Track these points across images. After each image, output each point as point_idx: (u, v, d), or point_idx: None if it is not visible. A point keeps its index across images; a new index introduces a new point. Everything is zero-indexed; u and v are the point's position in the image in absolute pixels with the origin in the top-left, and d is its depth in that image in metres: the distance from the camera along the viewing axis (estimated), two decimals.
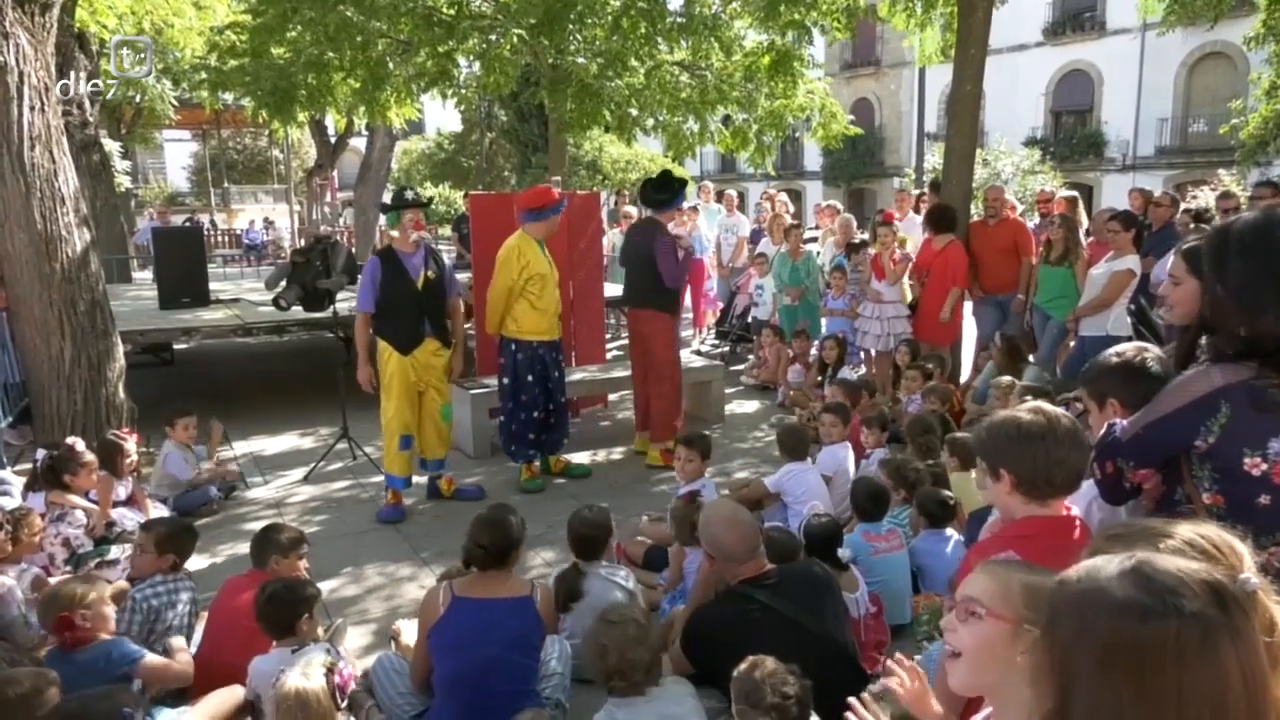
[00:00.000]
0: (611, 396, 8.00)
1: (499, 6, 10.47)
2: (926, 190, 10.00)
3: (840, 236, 9.15)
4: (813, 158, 32.76)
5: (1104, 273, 6.23)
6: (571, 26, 10.11)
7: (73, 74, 11.18)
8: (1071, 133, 27.54)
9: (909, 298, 7.66)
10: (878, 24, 22.12)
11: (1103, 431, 2.50)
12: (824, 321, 9.05)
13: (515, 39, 9.89)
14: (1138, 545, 1.50)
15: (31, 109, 5.62)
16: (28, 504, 4.23)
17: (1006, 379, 5.48)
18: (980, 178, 13.27)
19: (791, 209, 10.96)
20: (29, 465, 5.21)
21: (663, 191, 6.15)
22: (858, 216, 10.32)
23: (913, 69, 23.78)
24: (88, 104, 12.60)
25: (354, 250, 13.27)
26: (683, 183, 6.36)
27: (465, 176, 26.19)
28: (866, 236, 9.37)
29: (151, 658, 3.03)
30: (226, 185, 31.29)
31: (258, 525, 5.06)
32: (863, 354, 8.01)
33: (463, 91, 12.96)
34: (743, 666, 2.32)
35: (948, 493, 4.17)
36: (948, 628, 1.63)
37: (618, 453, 6.61)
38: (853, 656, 2.80)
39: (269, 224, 27.34)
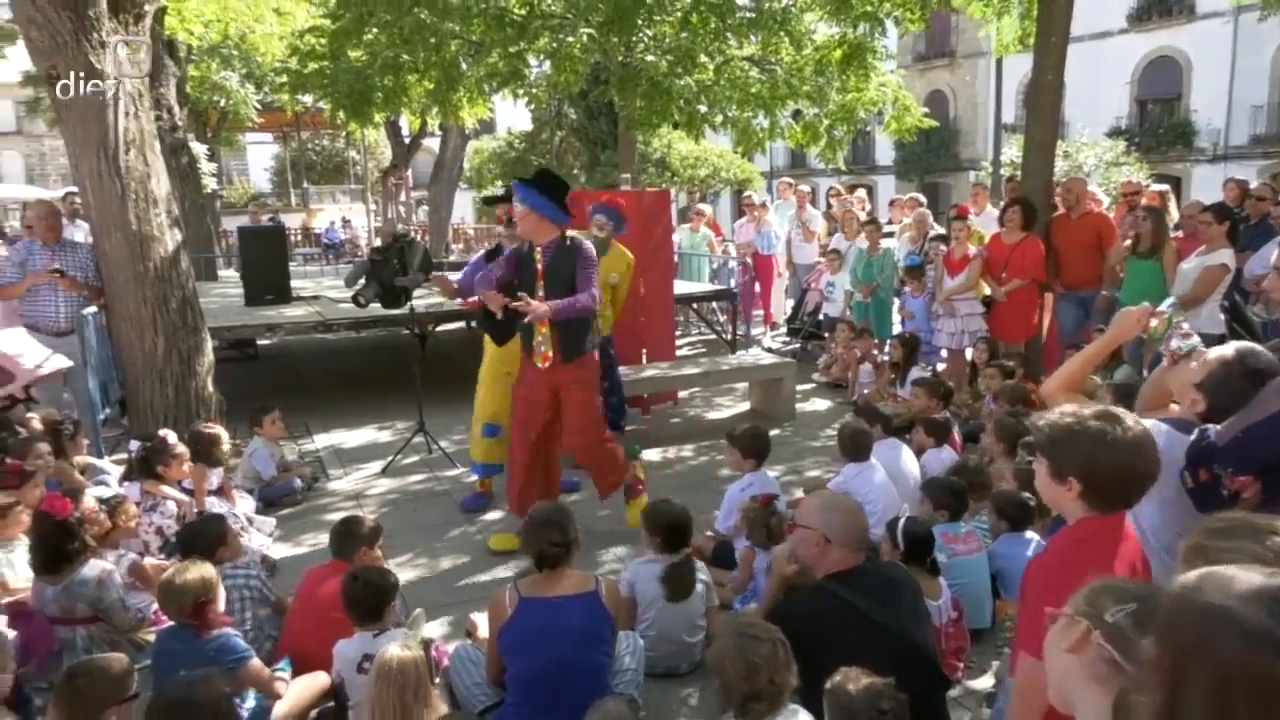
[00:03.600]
0: (682, 394, 8.00)
1: (569, 5, 10.53)
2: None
3: (915, 231, 8.98)
4: (885, 151, 32.21)
5: (1195, 267, 5.99)
6: (641, 23, 10.12)
7: (162, 80, 11.65)
8: (1158, 122, 26.50)
9: (985, 293, 7.48)
10: (953, 14, 21.62)
11: (1194, 436, 2.40)
12: (896, 319, 8.92)
13: (585, 37, 9.95)
14: (1240, 540, 1.44)
15: (126, 114, 5.86)
16: (123, 492, 4.41)
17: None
18: (1061, 170, 12.88)
19: (868, 205, 10.80)
20: (124, 455, 5.46)
21: None
22: (931, 211, 10.08)
23: (989, 59, 23.18)
24: (176, 108, 13.08)
25: (428, 248, 13.52)
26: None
27: None
28: (944, 231, 9.20)
29: (256, 663, 3.12)
30: (306, 185, 32.18)
31: (338, 516, 5.22)
32: (944, 352, 7.84)
33: (533, 90, 13.11)
34: (836, 679, 2.27)
35: (1026, 494, 4.07)
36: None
37: (688, 449, 6.61)
38: (933, 659, 2.75)
39: (346, 223, 28.04)
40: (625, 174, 11.37)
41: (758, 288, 11.30)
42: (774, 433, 5.39)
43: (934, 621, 3.23)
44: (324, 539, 4.90)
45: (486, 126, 25.93)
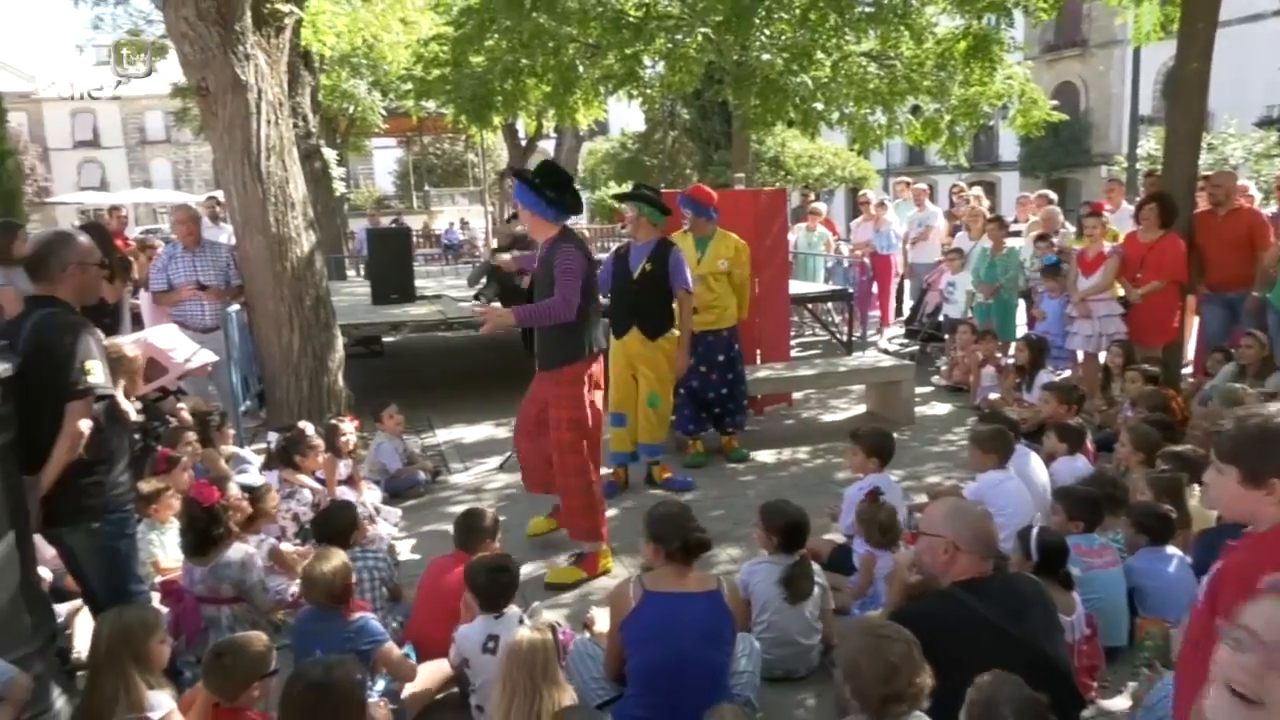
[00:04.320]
0: (795, 395, 7.91)
1: (686, 6, 10.56)
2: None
3: (1043, 229, 8.62)
4: (1009, 147, 31.02)
5: None
6: (759, 22, 10.03)
7: (298, 89, 12.25)
8: None
9: (1119, 293, 7.10)
10: (1086, 1, 20.63)
11: None
12: (1019, 320, 8.59)
13: (700, 37, 9.95)
14: None
15: (268, 123, 6.20)
16: (267, 480, 4.66)
17: (1243, 387, 4.98)
18: (1205, 163, 12.12)
19: (985, 202, 10.42)
20: (263, 445, 5.77)
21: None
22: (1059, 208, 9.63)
23: (1124, 48, 22.02)
24: (310, 116, 13.74)
25: None
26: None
27: (648, 175, 26.62)
28: (1069, 230, 8.81)
29: (391, 645, 3.25)
30: (427, 188, 33.29)
31: (459, 508, 5.36)
32: (1080, 355, 7.46)
33: (648, 91, 13.21)
34: (985, 678, 2.20)
35: (1168, 506, 3.84)
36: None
37: (803, 452, 6.52)
38: (1068, 675, 2.63)
39: (464, 224, 28.86)
40: (739, 173, 11.32)
41: (874, 288, 11.07)
42: None
43: (1067, 637, 3.09)
44: (445, 529, 5.06)
45: (600, 128, 26.27)
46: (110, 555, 3.20)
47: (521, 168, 4.59)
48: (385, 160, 40.92)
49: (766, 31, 10.56)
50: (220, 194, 8.89)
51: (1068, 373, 7.44)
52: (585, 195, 31.61)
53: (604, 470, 5.79)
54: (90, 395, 2.99)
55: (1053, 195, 9.76)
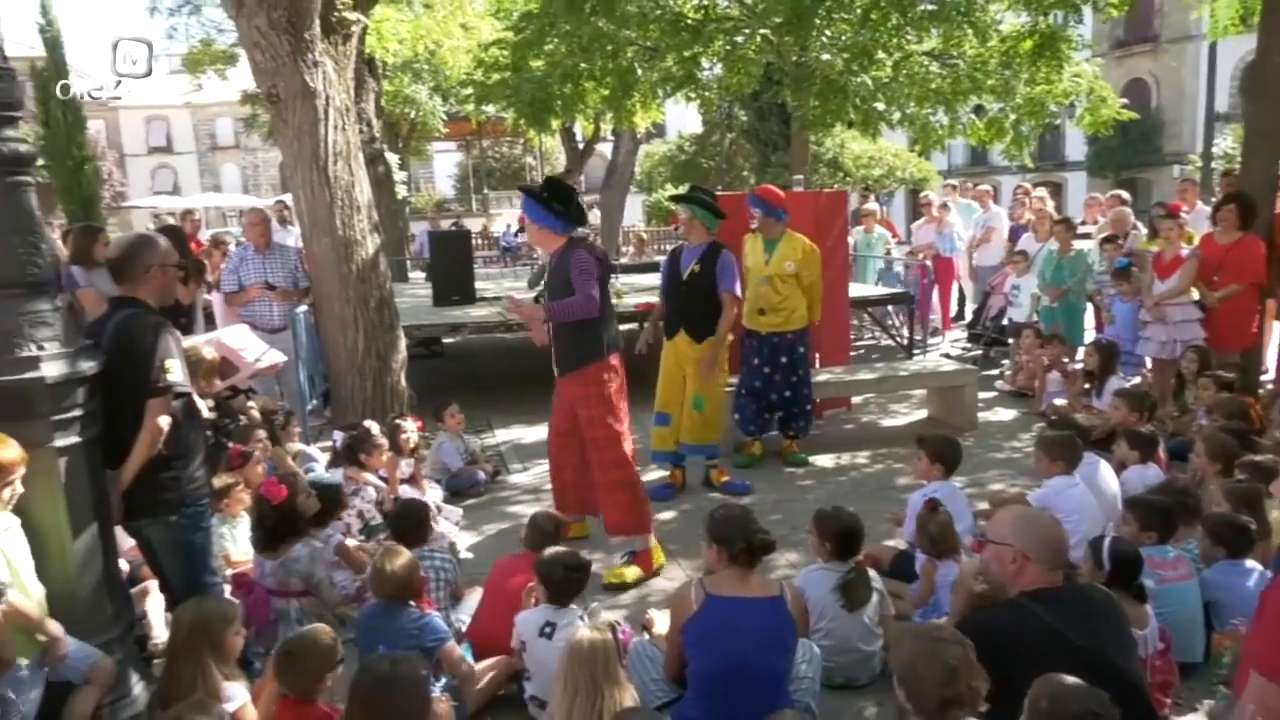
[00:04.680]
0: (855, 399, 7.82)
1: (745, 8, 10.51)
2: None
3: (1113, 230, 8.39)
4: (1075, 146, 30.28)
5: None
6: (819, 23, 9.94)
7: (363, 95, 12.51)
8: None
9: (1195, 296, 6.87)
10: None
11: None
12: (1088, 325, 8.37)
13: (759, 39, 9.89)
14: None
15: (335, 128, 6.34)
16: (338, 479, 4.76)
17: None
18: None
19: (1049, 203, 10.17)
20: (328, 443, 5.90)
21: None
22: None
23: (1198, 43, 21.36)
24: (374, 121, 14.01)
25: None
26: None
27: (705, 177, 26.57)
28: (1141, 231, 8.57)
29: (453, 643, 3.31)
30: (486, 191, 33.66)
31: (519, 508, 5.44)
32: (1149, 361, 7.24)
33: (705, 93, 13.20)
34: (1047, 676, 2.14)
35: (1245, 517, 3.71)
36: None
37: (862, 456, 6.45)
38: (1140, 691, 2.55)
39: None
40: (798, 175, 11.24)
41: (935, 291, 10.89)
42: None
43: (1139, 652, 3.00)
44: (505, 528, 5.16)
45: (658, 130, 26.28)
46: (186, 548, 3.30)
47: (528, 185, 4.67)
48: (445, 164, 41.51)
49: (827, 32, 10.45)
50: (288, 198, 9.12)
51: (1137, 379, 7.23)
52: (641, 198, 31.72)
53: (660, 473, 5.85)
54: (169, 393, 3.09)
55: (1126, 195, 9.49)
